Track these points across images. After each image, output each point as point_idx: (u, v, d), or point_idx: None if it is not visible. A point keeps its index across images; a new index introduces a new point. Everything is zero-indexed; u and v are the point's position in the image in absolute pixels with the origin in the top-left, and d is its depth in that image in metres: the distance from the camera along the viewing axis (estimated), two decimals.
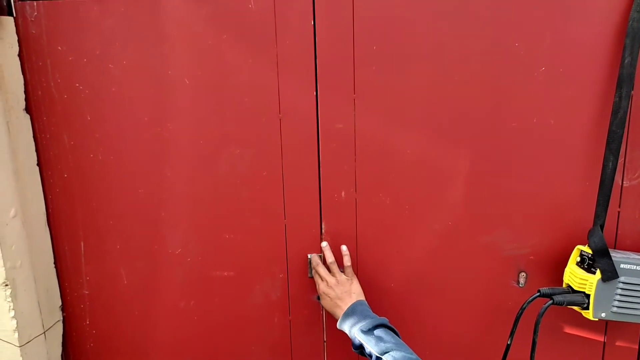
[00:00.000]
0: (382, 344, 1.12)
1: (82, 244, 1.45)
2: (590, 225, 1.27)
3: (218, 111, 1.35)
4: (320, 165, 1.36)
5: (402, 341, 1.16)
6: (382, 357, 1.09)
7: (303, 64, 1.30)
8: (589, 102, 1.25)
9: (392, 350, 1.09)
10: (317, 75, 1.31)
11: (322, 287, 1.33)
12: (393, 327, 1.20)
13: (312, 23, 1.28)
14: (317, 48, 1.29)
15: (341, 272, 1.35)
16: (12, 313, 1.30)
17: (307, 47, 1.30)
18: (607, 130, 1.23)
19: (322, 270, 1.35)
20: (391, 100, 1.31)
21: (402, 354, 1.08)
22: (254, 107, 1.34)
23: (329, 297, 1.30)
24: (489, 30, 1.24)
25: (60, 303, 1.49)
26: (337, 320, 1.27)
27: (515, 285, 1.37)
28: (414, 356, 1.08)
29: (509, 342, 1.26)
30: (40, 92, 1.37)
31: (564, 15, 1.22)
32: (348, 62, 1.29)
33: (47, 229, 1.44)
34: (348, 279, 1.33)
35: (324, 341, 1.47)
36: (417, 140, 1.32)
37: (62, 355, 1.52)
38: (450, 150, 1.32)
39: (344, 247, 1.37)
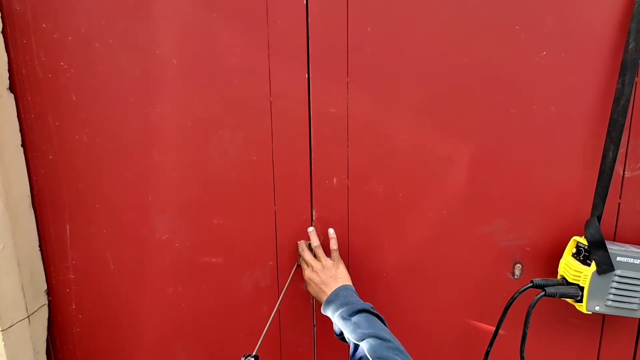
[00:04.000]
0: (359, 331, 1.08)
1: (67, 227, 1.42)
2: (588, 216, 1.24)
3: (207, 93, 1.31)
4: (312, 150, 1.32)
5: (384, 327, 1.11)
6: (359, 343, 1.05)
7: (295, 45, 1.26)
8: (591, 88, 1.21)
9: (369, 337, 1.05)
10: (310, 57, 1.26)
11: (307, 272, 1.30)
12: (378, 313, 1.16)
13: (305, 2, 1.23)
14: (310, 29, 1.25)
15: (328, 257, 1.31)
16: None
17: (299, 28, 1.25)
18: (608, 119, 1.19)
19: (307, 255, 1.32)
20: (386, 84, 1.26)
21: (379, 341, 1.03)
22: (244, 90, 1.30)
23: (314, 282, 1.27)
24: (488, 13, 1.20)
25: (45, 287, 1.46)
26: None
27: (511, 276, 1.34)
28: (393, 343, 1.04)
29: (496, 330, 1.23)
30: (24, 71, 1.33)
31: None
32: (341, 44, 1.25)
33: (32, 211, 1.41)
34: (334, 264, 1.29)
35: (314, 327, 1.45)
36: (412, 126, 1.28)
37: (47, 339, 1.49)
38: (446, 137, 1.28)
39: (330, 231, 1.33)
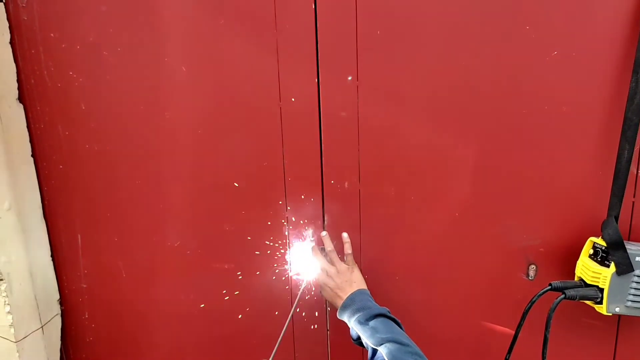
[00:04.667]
0: (377, 335, 1.07)
1: (79, 236, 1.42)
2: (604, 216, 1.22)
3: (217, 100, 1.30)
4: (323, 154, 1.31)
5: (401, 331, 1.10)
6: (378, 348, 1.05)
7: (304, 49, 1.25)
8: (604, 88, 1.19)
9: (387, 341, 1.05)
10: (319, 62, 1.26)
11: (321, 277, 1.29)
12: (394, 317, 1.15)
13: (314, 7, 1.22)
14: (319, 33, 1.24)
15: (342, 261, 1.30)
16: (8, 308, 1.27)
17: (308, 32, 1.24)
18: (623, 118, 1.17)
19: (321, 260, 1.31)
20: (396, 87, 1.25)
21: (398, 345, 1.03)
22: (253, 95, 1.29)
23: (329, 287, 1.26)
24: (498, 13, 1.18)
25: (58, 296, 1.46)
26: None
27: (525, 278, 1.33)
28: (412, 347, 1.03)
29: (515, 335, 1.22)
30: (33, 81, 1.33)
31: None
32: (351, 47, 1.24)
33: (43, 221, 1.40)
34: (348, 268, 1.28)
35: (327, 333, 1.44)
36: (423, 129, 1.27)
37: (61, 349, 1.49)
38: (457, 138, 1.27)
39: (344, 235, 1.32)
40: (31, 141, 1.36)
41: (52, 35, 1.29)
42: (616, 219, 1.19)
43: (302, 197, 1.34)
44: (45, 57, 1.31)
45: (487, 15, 1.19)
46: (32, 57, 1.31)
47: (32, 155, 1.37)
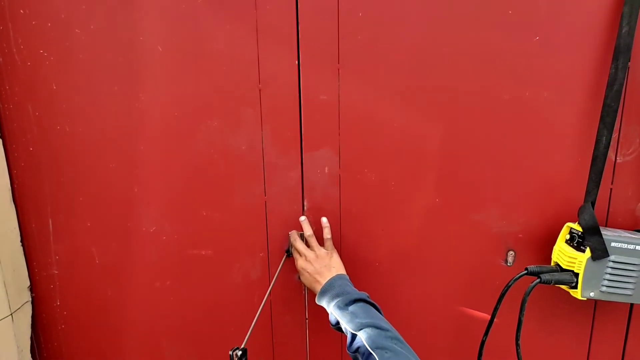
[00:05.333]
0: (357, 320, 1.06)
1: (50, 221, 1.38)
2: (581, 202, 1.23)
3: (194, 81, 1.27)
4: (303, 139, 1.29)
5: (381, 316, 1.10)
6: (357, 333, 1.04)
7: (284, 30, 1.23)
8: (584, 74, 1.20)
9: (367, 326, 1.04)
10: (300, 43, 1.23)
11: (300, 262, 1.28)
12: (373, 302, 1.14)
13: None
14: (300, 13, 1.22)
15: (321, 246, 1.29)
16: None
17: (289, 12, 1.22)
18: (602, 104, 1.18)
19: (300, 244, 1.29)
20: (377, 71, 1.24)
21: (377, 330, 1.02)
22: (232, 77, 1.26)
23: (308, 272, 1.25)
24: None
25: (28, 283, 1.42)
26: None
27: (504, 263, 1.33)
28: (391, 332, 1.03)
29: (491, 318, 1.22)
30: (1, 59, 1.27)
31: None
32: (332, 29, 1.22)
33: (13, 205, 1.35)
34: (327, 253, 1.27)
35: (306, 319, 1.43)
36: (404, 114, 1.26)
37: (31, 337, 1.45)
38: (439, 124, 1.26)
39: (324, 219, 1.31)
40: (0, 122, 1.31)
41: (21, 11, 1.24)
42: (593, 204, 1.20)
43: (281, 181, 1.32)
44: (15, 34, 1.25)
45: (469, 1, 1.18)
46: (0, 35, 1.25)
47: (0, 137, 1.31)
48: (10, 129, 1.32)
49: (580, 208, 1.21)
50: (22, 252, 1.39)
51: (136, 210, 1.36)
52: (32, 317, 1.45)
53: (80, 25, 1.24)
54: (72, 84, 1.28)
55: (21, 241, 1.39)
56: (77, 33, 1.24)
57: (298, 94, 1.26)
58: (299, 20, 1.22)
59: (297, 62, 1.24)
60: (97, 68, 1.27)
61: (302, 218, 1.31)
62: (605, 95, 1.17)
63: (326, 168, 1.31)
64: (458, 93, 1.23)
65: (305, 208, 1.33)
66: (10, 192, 1.35)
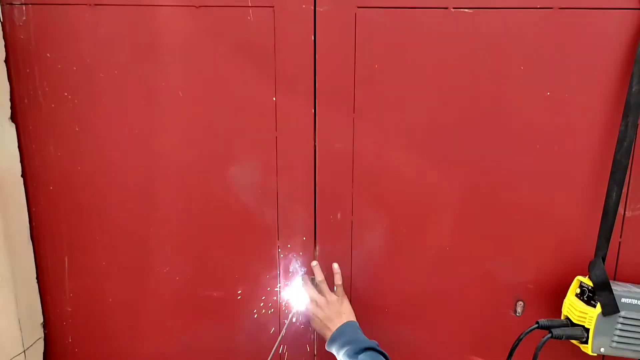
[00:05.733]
0: None
1: (66, 258, 1.40)
2: (591, 255, 1.24)
3: (212, 126, 1.30)
4: (317, 185, 1.32)
5: None
6: None
7: (302, 80, 1.26)
8: (595, 129, 1.22)
9: None
10: (316, 93, 1.27)
11: (311, 307, 1.29)
12: (383, 351, 1.15)
13: (313, 38, 1.24)
14: (317, 64, 1.25)
15: (332, 292, 1.30)
16: None
17: (306, 63, 1.25)
18: (612, 159, 1.20)
19: (311, 290, 1.31)
20: (391, 121, 1.27)
21: None
22: (249, 123, 1.29)
23: (318, 317, 1.26)
24: (493, 53, 1.21)
25: (42, 320, 1.43)
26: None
27: (512, 314, 1.34)
28: None
29: None
30: (27, 101, 1.31)
31: (570, 40, 1.19)
32: (348, 80, 1.25)
33: (30, 242, 1.38)
34: (338, 299, 1.28)
35: None
36: (416, 162, 1.29)
37: None
38: (450, 174, 1.28)
39: (335, 265, 1.32)
40: (22, 161, 1.34)
41: (48, 55, 1.28)
42: (603, 259, 1.21)
43: (294, 226, 1.34)
44: (40, 77, 1.29)
45: (482, 54, 1.21)
46: (27, 77, 1.29)
47: (22, 175, 1.34)
48: (32, 168, 1.35)
49: (590, 263, 1.22)
50: (37, 289, 1.41)
51: (150, 250, 1.38)
52: (44, 354, 1.46)
53: (104, 70, 1.28)
54: (93, 126, 1.31)
55: (36, 277, 1.41)
56: (101, 77, 1.28)
57: (313, 141, 1.29)
58: (316, 71, 1.25)
59: (313, 111, 1.27)
60: (119, 111, 1.30)
61: (314, 263, 1.33)
62: (615, 151, 1.19)
63: (339, 214, 1.33)
64: (470, 143, 1.26)
65: (317, 252, 1.35)
66: (28, 229, 1.37)
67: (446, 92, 1.24)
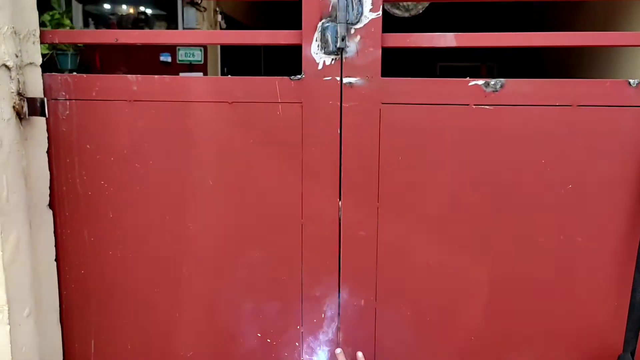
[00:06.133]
0: None
1: (92, 342, 1.42)
2: (619, 350, 1.23)
3: (240, 213, 1.35)
4: (341, 271, 1.34)
5: None
6: None
7: (328, 170, 1.31)
8: (618, 220, 1.24)
9: None
10: (342, 182, 1.31)
11: None
12: None
13: (339, 132, 1.29)
14: (343, 156, 1.30)
15: None
16: None
17: (332, 154, 1.30)
18: (637, 251, 1.21)
19: None
20: (415, 210, 1.30)
21: None
22: (276, 211, 1.34)
23: None
24: (514, 146, 1.25)
25: None
26: None
27: None
28: None
29: None
30: (65, 188, 1.37)
31: (590, 135, 1.23)
32: (373, 171, 1.30)
33: (59, 326, 1.40)
34: None
35: None
36: (440, 252, 1.31)
37: None
38: (474, 264, 1.30)
39: (359, 354, 1.32)
40: (56, 245, 1.39)
41: (88, 146, 1.35)
42: (632, 354, 1.19)
43: (319, 313, 1.35)
44: (80, 166, 1.36)
45: (503, 148, 1.25)
46: (66, 166, 1.36)
47: (55, 260, 1.39)
48: (65, 253, 1.40)
49: (619, 357, 1.20)
50: None
51: (176, 334, 1.39)
52: None
53: (140, 161, 1.35)
54: (127, 213, 1.37)
55: (63, 359, 1.42)
56: (137, 167, 1.35)
57: (338, 229, 1.32)
58: (341, 162, 1.30)
59: (338, 200, 1.31)
60: (152, 199, 1.36)
61: (338, 351, 1.33)
62: (639, 245, 1.20)
63: (362, 301, 1.34)
64: (493, 234, 1.28)
65: (340, 340, 1.35)
66: (58, 313, 1.40)
67: (468, 184, 1.28)
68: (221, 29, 4.35)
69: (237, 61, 5.44)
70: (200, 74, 4.10)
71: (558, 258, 1.27)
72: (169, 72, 4.06)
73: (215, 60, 4.86)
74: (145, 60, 4.28)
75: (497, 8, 6.50)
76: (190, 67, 4.16)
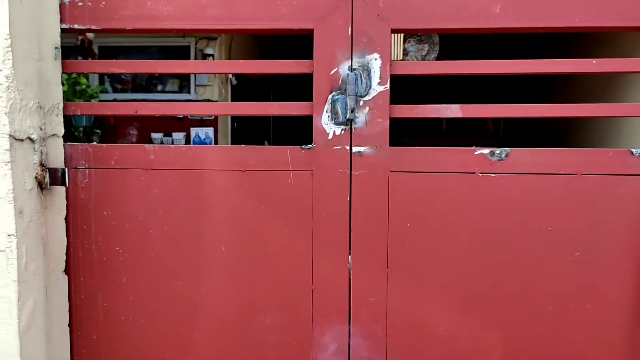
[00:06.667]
0: None
1: None
2: None
3: (251, 278, 1.37)
4: (351, 337, 1.34)
5: None
6: None
7: (338, 237, 1.34)
8: (627, 289, 1.25)
9: None
10: (351, 249, 1.33)
11: None
12: None
13: (349, 199, 1.32)
14: (352, 222, 1.33)
15: None
16: None
17: (342, 221, 1.33)
18: None
19: None
20: (424, 277, 1.32)
21: None
22: (287, 277, 1.36)
23: None
24: (520, 213, 1.28)
25: None
26: None
27: None
28: None
29: None
30: (80, 254, 1.40)
31: (595, 203, 1.25)
32: (382, 237, 1.32)
33: None
34: None
35: None
36: (450, 317, 1.31)
37: None
38: (483, 329, 1.30)
39: None
40: (70, 310, 1.40)
41: (105, 213, 1.39)
42: None
43: None
44: (96, 232, 1.39)
45: (510, 214, 1.28)
46: (83, 232, 1.40)
47: (68, 325, 1.40)
48: (78, 317, 1.41)
49: None
50: None
51: None
52: None
53: (155, 227, 1.38)
54: (140, 279, 1.39)
55: None
56: (152, 233, 1.38)
57: (348, 295, 1.34)
58: (351, 228, 1.33)
59: (348, 266, 1.33)
60: (165, 264, 1.38)
61: None
62: None
63: None
64: (503, 301, 1.29)
65: None
66: None
67: (477, 250, 1.30)
68: (231, 85, 4.47)
69: (247, 115, 5.55)
70: (211, 129, 4.19)
71: (567, 324, 1.27)
72: (181, 127, 4.15)
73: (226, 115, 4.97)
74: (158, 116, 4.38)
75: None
76: (201, 122, 4.26)
